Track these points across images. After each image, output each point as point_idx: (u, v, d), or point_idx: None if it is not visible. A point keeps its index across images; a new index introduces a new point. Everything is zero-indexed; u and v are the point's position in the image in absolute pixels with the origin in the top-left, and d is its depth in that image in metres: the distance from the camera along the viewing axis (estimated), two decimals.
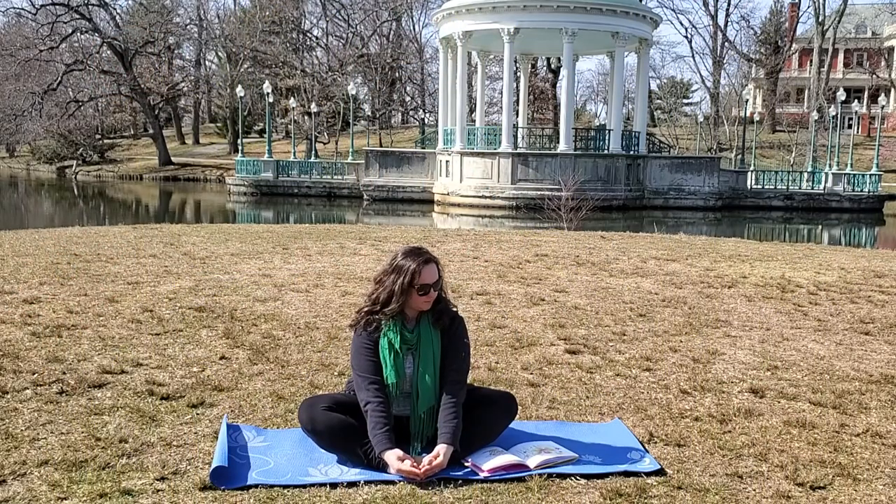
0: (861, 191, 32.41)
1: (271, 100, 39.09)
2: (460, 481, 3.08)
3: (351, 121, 42.62)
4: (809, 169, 34.61)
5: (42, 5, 50.29)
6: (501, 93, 35.47)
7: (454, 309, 3.51)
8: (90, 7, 50.62)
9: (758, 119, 46.56)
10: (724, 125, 55.54)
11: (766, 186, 33.18)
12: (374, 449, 3.16)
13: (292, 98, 43.51)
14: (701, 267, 9.25)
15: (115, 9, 53.74)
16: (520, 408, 3.99)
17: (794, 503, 3.00)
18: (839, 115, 37.72)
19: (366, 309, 3.41)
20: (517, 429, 3.61)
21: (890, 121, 59.89)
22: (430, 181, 32.58)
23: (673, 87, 68.55)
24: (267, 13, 54.01)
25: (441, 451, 3.15)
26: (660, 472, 3.20)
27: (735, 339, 5.58)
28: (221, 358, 4.76)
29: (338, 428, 3.23)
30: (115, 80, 53.69)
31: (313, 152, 41.05)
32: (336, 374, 4.49)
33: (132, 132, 69.81)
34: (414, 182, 32.86)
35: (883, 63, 63.72)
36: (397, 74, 59.46)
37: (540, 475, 3.13)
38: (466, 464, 3.23)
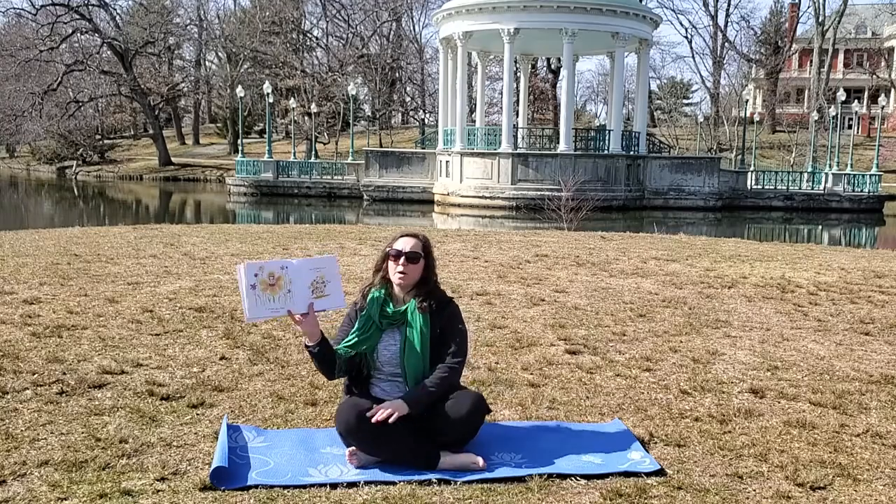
0: (861, 191, 32.40)
1: (271, 100, 39.07)
2: (460, 482, 3.09)
3: (351, 121, 42.59)
4: (809, 169, 34.59)
5: (42, 6, 50.32)
6: (501, 93, 35.47)
7: (449, 297, 3.55)
8: (90, 7, 50.63)
9: (758, 119, 46.56)
10: (724, 125, 55.53)
11: (767, 187, 33.17)
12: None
13: (292, 98, 43.50)
14: (701, 267, 9.25)
15: (115, 9, 53.78)
16: (520, 407, 4.00)
17: (794, 503, 3.00)
18: (839, 116, 37.71)
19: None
20: (513, 432, 3.60)
21: (890, 121, 59.86)
22: (431, 181, 32.57)
23: (673, 87, 68.54)
24: (267, 13, 53.99)
25: (396, 405, 3.21)
26: (660, 473, 3.21)
27: (735, 340, 5.58)
28: (221, 358, 4.76)
29: (383, 429, 3.19)
30: (115, 80, 53.68)
31: (313, 153, 41.06)
32: None
33: (132, 132, 69.82)
34: (414, 182, 32.86)
35: (883, 63, 63.68)
36: (397, 75, 59.43)
37: (540, 475, 3.13)
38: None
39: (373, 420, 3.16)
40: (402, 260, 3.39)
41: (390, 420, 3.15)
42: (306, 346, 3.34)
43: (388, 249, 3.46)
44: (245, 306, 3.15)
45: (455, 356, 3.41)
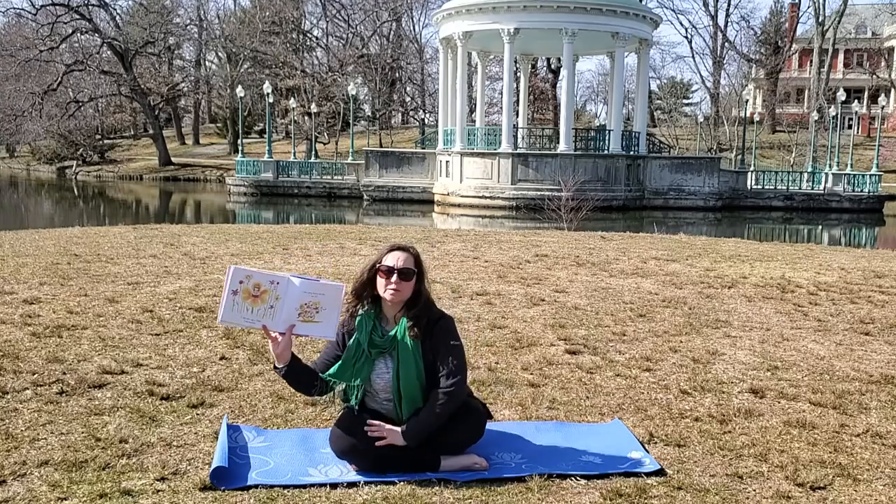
0: (861, 191, 32.38)
1: (271, 100, 39.07)
2: (460, 482, 3.08)
3: (351, 121, 42.58)
4: (809, 169, 34.57)
5: (42, 5, 50.31)
6: (501, 93, 35.45)
7: (440, 311, 3.36)
8: (90, 7, 50.62)
9: (758, 119, 46.56)
10: (724, 125, 55.52)
11: (767, 187, 33.17)
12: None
13: (292, 98, 43.50)
14: (701, 267, 9.25)
15: (115, 9, 53.75)
16: (520, 407, 4.00)
17: (794, 503, 3.00)
18: (839, 116, 37.70)
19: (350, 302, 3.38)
20: (513, 432, 3.60)
21: (890, 121, 59.85)
22: (431, 181, 32.57)
23: (673, 87, 68.52)
24: (267, 13, 53.98)
25: (392, 432, 3.17)
26: (660, 473, 3.21)
27: (735, 340, 5.58)
28: (221, 358, 4.76)
29: (379, 453, 3.19)
30: (115, 80, 53.68)
31: (313, 153, 41.05)
32: None
33: (132, 132, 69.81)
34: (414, 182, 32.86)
35: (883, 63, 63.67)
36: (397, 75, 59.42)
37: (540, 475, 3.13)
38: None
39: (369, 434, 3.15)
40: (394, 277, 3.19)
41: (378, 444, 3.14)
42: (274, 367, 3.23)
43: (377, 265, 3.23)
44: (220, 307, 3.10)
45: (450, 377, 3.20)
